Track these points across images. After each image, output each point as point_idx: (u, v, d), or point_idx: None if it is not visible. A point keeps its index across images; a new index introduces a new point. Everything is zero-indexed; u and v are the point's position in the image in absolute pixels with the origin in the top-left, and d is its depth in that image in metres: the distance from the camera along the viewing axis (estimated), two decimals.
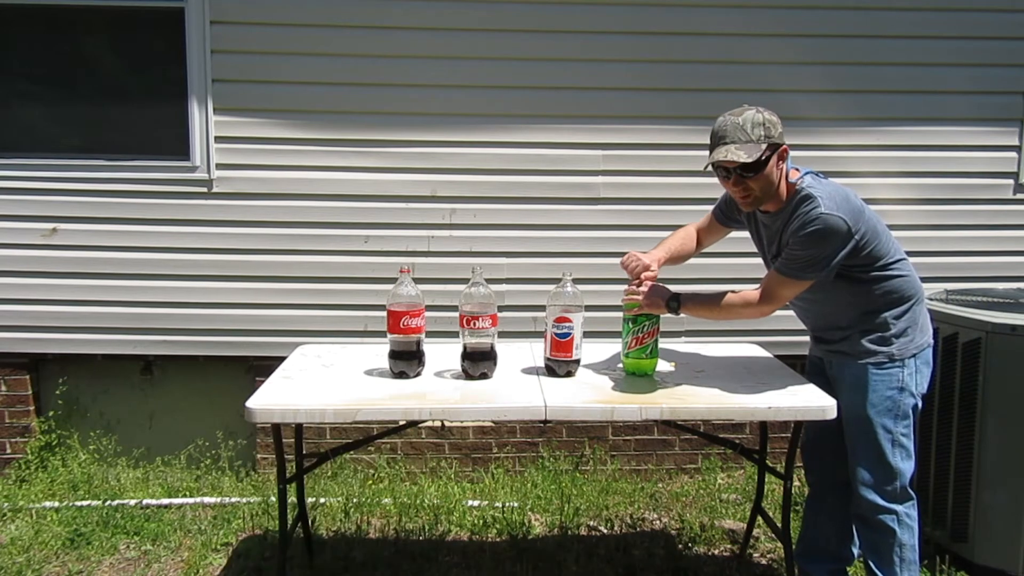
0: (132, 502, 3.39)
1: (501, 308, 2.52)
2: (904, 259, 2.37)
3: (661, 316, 2.44)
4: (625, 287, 2.49)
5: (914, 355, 2.36)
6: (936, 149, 3.73)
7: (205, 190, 3.62)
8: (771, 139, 2.19)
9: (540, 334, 2.57)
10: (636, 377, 2.46)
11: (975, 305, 2.87)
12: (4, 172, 3.58)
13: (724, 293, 2.39)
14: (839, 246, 2.20)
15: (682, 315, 2.42)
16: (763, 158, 2.18)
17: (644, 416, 2.22)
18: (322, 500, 3.44)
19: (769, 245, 2.42)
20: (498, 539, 3.17)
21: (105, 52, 3.68)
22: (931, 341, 2.43)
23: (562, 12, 3.55)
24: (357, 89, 3.58)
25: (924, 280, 2.46)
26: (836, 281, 2.28)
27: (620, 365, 2.54)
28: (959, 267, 3.76)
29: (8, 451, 3.79)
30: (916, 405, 2.39)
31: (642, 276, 2.46)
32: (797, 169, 2.32)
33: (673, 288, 2.42)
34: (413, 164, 3.64)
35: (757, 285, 2.37)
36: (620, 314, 2.50)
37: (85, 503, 3.37)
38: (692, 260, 2.75)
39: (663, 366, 2.56)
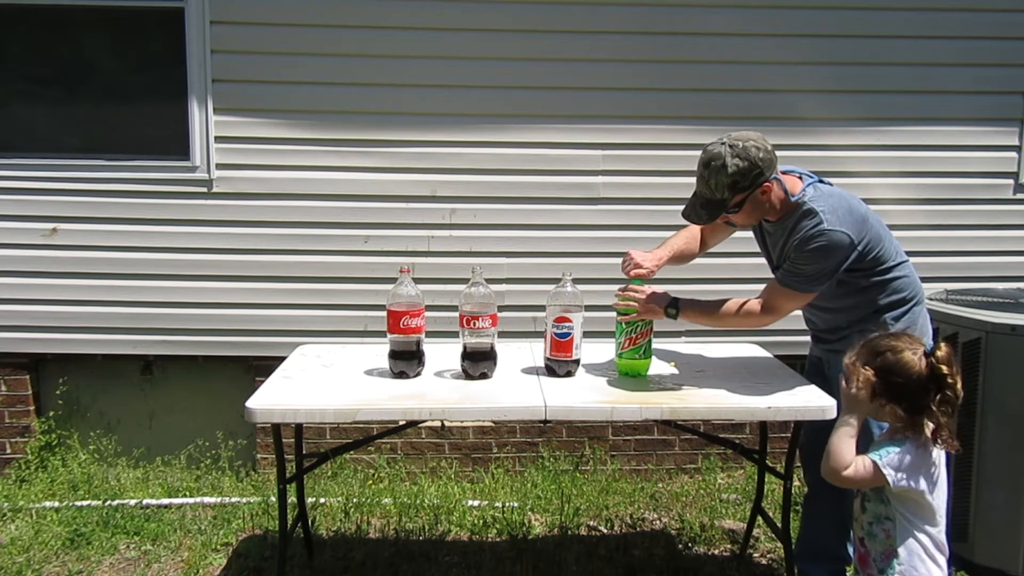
0: (132, 502, 3.39)
1: (501, 308, 2.52)
2: (905, 260, 2.37)
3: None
4: (617, 288, 2.49)
5: None
6: (936, 149, 3.72)
7: (205, 190, 3.62)
8: (742, 190, 2.20)
9: (540, 334, 2.57)
10: (630, 377, 2.46)
11: (975, 305, 2.87)
12: (4, 172, 3.58)
13: (724, 301, 2.38)
14: (842, 259, 2.21)
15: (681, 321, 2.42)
16: (732, 205, 2.21)
17: (644, 416, 2.22)
18: (322, 500, 3.44)
19: (773, 249, 2.42)
20: (498, 539, 3.17)
21: (105, 52, 3.68)
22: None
23: (562, 12, 3.55)
24: (357, 89, 3.58)
25: (924, 280, 2.46)
26: (837, 285, 2.28)
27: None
28: (959, 267, 3.75)
29: (8, 451, 3.79)
30: None
31: (632, 273, 2.47)
32: (800, 177, 2.31)
33: (673, 293, 2.42)
34: (413, 164, 3.64)
35: (759, 293, 2.37)
36: None
37: (85, 503, 3.37)
38: (695, 261, 2.74)
39: (664, 366, 2.56)
